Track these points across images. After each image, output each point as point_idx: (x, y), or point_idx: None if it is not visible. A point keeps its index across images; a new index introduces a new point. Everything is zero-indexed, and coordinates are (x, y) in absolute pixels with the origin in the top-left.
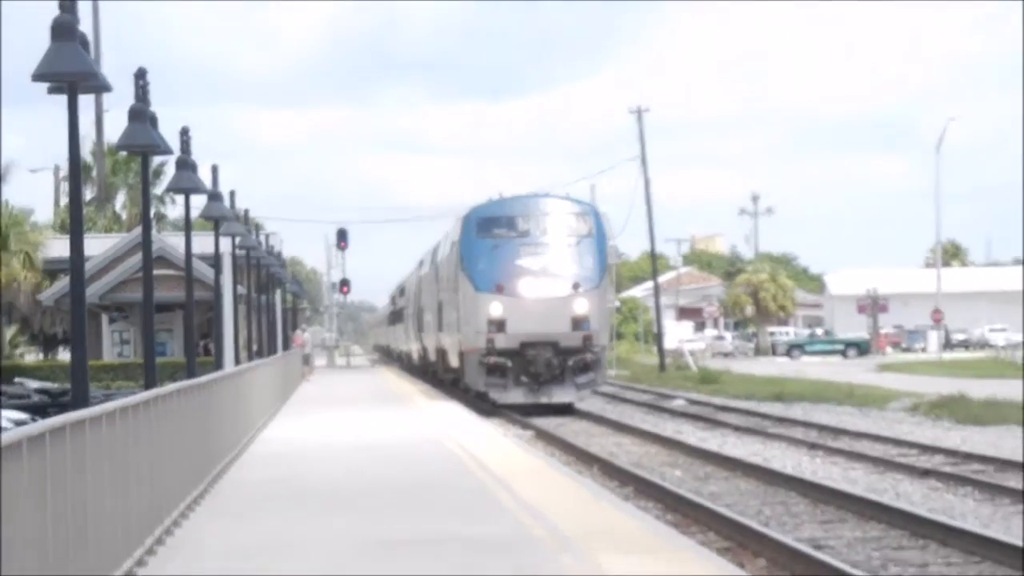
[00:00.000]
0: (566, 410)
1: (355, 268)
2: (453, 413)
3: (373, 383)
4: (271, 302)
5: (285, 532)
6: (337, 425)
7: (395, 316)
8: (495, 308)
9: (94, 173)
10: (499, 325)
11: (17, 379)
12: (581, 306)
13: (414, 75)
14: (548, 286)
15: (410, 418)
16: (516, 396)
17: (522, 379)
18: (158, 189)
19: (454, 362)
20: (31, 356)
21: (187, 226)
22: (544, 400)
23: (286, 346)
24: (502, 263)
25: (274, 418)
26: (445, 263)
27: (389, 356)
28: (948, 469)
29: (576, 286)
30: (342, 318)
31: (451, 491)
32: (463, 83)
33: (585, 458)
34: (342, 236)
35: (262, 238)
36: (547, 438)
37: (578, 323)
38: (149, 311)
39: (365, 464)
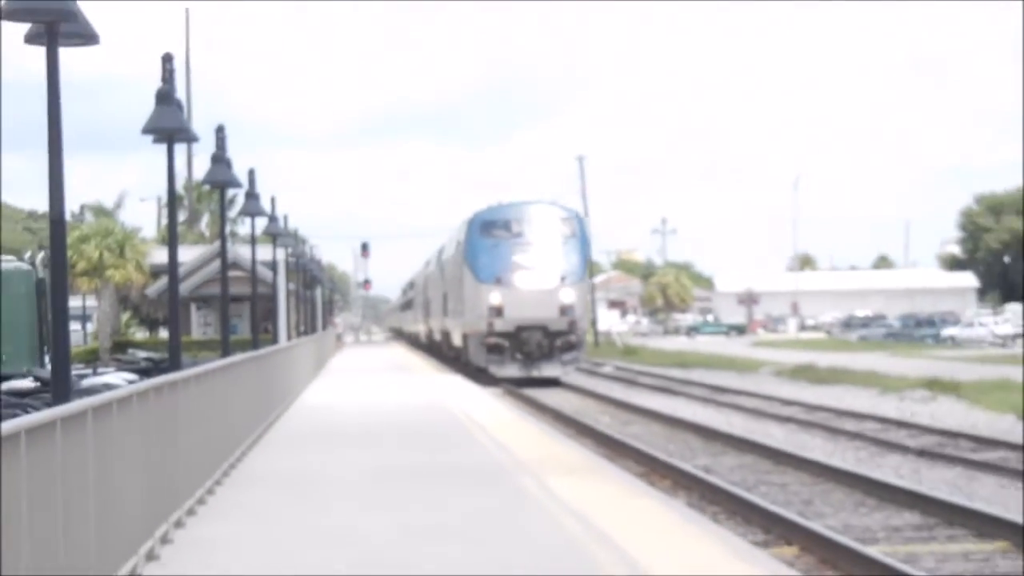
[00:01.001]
0: (552, 382)
1: (375, 270)
2: (450, 380)
3: (388, 355)
4: (312, 296)
5: (319, 459)
6: (360, 387)
7: (405, 305)
8: (495, 297)
9: (186, 202)
10: (498, 311)
11: (130, 350)
12: (567, 296)
13: (421, 127)
14: (539, 279)
15: (416, 383)
16: (512, 371)
17: (517, 356)
18: (232, 213)
19: (457, 342)
20: (140, 334)
21: (252, 240)
22: (535, 374)
23: (324, 328)
24: (500, 259)
25: (313, 380)
26: (451, 260)
27: (400, 335)
28: (802, 416)
29: (563, 279)
30: (365, 307)
31: (444, 435)
32: (455, 134)
33: (541, 409)
34: (365, 247)
35: (307, 249)
36: (517, 396)
37: (564, 310)
38: (225, 302)
39: (380, 416)
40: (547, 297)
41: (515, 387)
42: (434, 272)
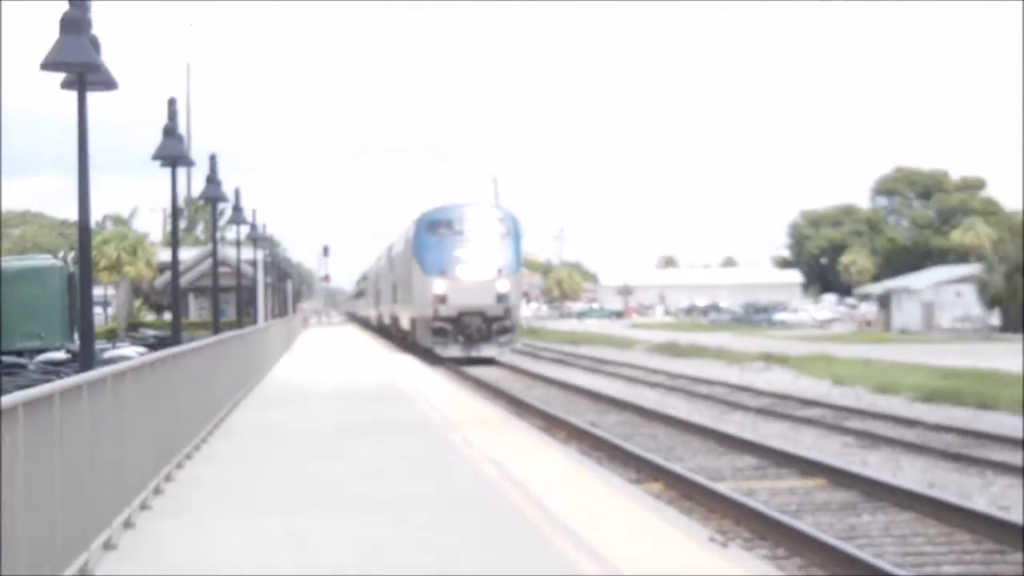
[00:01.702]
0: (489, 361)
1: (333, 267)
2: (395, 355)
3: (344, 335)
4: (284, 287)
5: (289, 416)
6: (323, 359)
7: (358, 294)
8: (439, 286)
9: (185, 213)
10: (442, 299)
11: (141, 329)
12: (503, 286)
13: (375, 151)
14: (478, 271)
15: (367, 357)
16: (454, 351)
17: (459, 339)
18: (221, 222)
19: (405, 325)
20: (149, 317)
21: (237, 244)
22: (475, 354)
23: (293, 312)
24: (444, 253)
25: (285, 354)
26: (400, 255)
27: (354, 319)
28: (667, 383)
29: (499, 271)
30: (325, 296)
31: (389, 396)
32: (402, 156)
33: (466, 378)
34: (326, 250)
35: (280, 250)
36: (451, 369)
37: (500, 298)
38: (216, 292)
39: (340, 381)
40: (485, 287)
41: (456, 364)
42: (384, 266)
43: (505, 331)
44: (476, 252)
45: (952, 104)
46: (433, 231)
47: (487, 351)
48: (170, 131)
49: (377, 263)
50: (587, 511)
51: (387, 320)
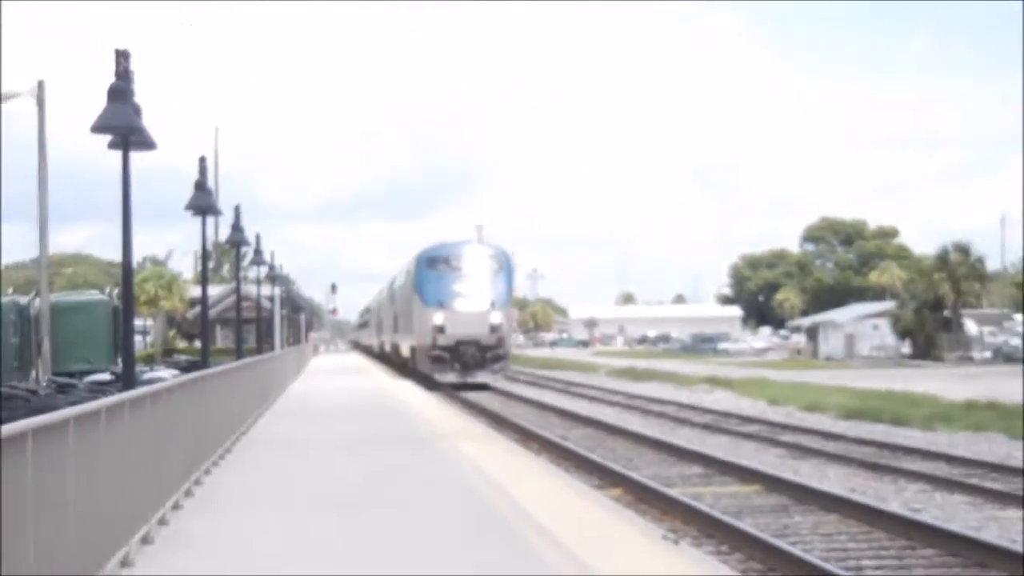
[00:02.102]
0: (483, 387)
1: (340, 301)
2: (392, 377)
3: (349, 361)
4: (298, 319)
5: (304, 427)
6: (331, 382)
7: (362, 325)
8: (438, 318)
9: (213, 255)
10: (441, 329)
11: (174, 355)
12: (496, 317)
13: (373, 205)
14: (474, 303)
15: (369, 379)
16: (451, 377)
17: (456, 366)
18: (244, 263)
19: (405, 353)
20: (182, 344)
21: (258, 282)
22: (470, 380)
23: (305, 340)
24: (443, 287)
25: (298, 376)
26: (401, 288)
27: (357, 346)
28: (625, 402)
29: (492, 304)
30: (332, 327)
31: (389, 413)
32: (395, 210)
33: (455, 399)
34: (334, 287)
35: (294, 287)
36: (444, 391)
37: (494, 329)
38: (239, 323)
39: (346, 401)
40: (480, 318)
41: (452, 389)
42: (385, 299)
43: (498, 359)
44: (472, 286)
45: (868, 162)
46: (432, 266)
47: (482, 377)
48: (200, 185)
49: (379, 296)
50: (557, 511)
51: (388, 348)
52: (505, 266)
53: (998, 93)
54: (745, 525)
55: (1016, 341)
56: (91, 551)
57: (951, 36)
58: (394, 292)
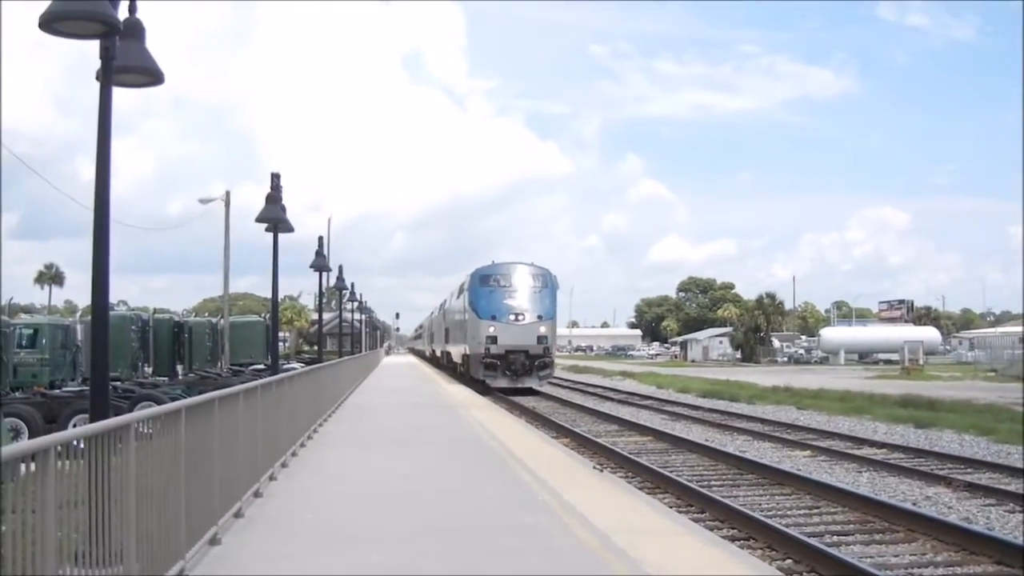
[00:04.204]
0: (530, 391)
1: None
2: (448, 382)
3: (408, 361)
4: (375, 333)
5: (377, 398)
6: (394, 375)
7: (416, 337)
8: (491, 329)
9: (325, 294)
10: (493, 339)
11: (302, 354)
12: (543, 329)
13: (417, 265)
14: (523, 317)
15: (426, 382)
16: (502, 382)
17: (506, 372)
18: (345, 299)
19: (457, 359)
20: (306, 347)
21: (352, 312)
22: (519, 384)
23: (380, 346)
24: (495, 302)
25: (375, 368)
26: (455, 304)
27: (413, 351)
28: (570, 386)
29: (540, 317)
30: (396, 338)
31: (439, 408)
32: (429, 269)
33: (486, 390)
34: (398, 315)
35: (373, 314)
36: (486, 391)
37: (540, 339)
38: (340, 335)
39: (403, 384)
40: (528, 330)
41: (503, 393)
42: (438, 316)
43: (545, 367)
44: (521, 301)
45: (715, 244)
46: (485, 283)
47: (529, 382)
48: (319, 253)
49: (430, 316)
50: (528, 449)
51: (439, 354)
52: (550, 284)
53: (794, 205)
54: (644, 460)
55: (801, 351)
56: (251, 470)
57: (767, 172)
58: (446, 309)
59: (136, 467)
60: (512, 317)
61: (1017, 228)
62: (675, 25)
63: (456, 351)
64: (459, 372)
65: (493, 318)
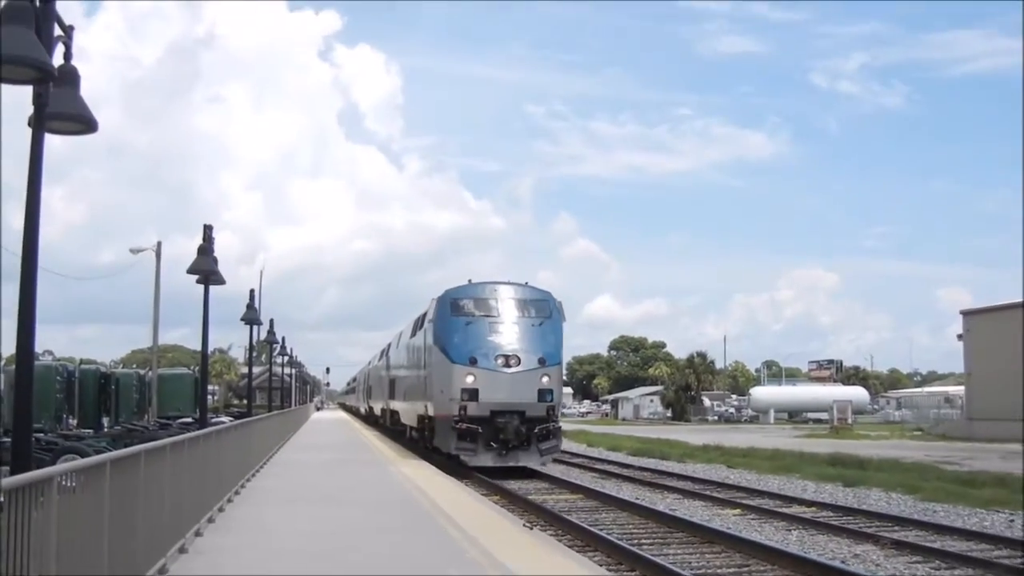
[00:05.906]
0: (525, 471)
1: (332, 377)
2: (395, 452)
3: (338, 418)
4: (305, 388)
5: (305, 455)
6: (324, 431)
7: (348, 392)
8: (469, 379)
9: (255, 348)
10: (472, 394)
11: (231, 407)
12: (547, 379)
13: (353, 320)
14: (518, 360)
15: (351, 431)
16: (485, 459)
17: (491, 444)
18: (275, 353)
19: (408, 421)
20: (236, 401)
21: (281, 365)
22: (512, 463)
23: (308, 402)
24: (475, 339)
25: (303, 425)
26: (408, 344)
27: (344, 408)
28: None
29: (542, 362)
30: (326, 393)
31: (360, 448)
32: (368, 325)
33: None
34: (328, 370)
35: (304, 368)
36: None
37: (543, 395)
38: (270, 389)
39: (335, 442)
40: (526, 380)
41: (486, 476)
42: (377, 364)
43: (548, 435)
44: (513, 339)
45: (647, 303)
46: (459, 312)
47: (527, 460)
48: (250, 306)
49: (367, 366)
50: (457, 506)
51: (378, 411)
52: (554, 314)
53: (726, 265)
54: (574, 518)
55: (731, 410)
56: (177, 526)
57: (699, 233)
58: (392, 353)
59: (57, 521)
60: (500, 361)
61: (944, 291)
62: (610, 87)
63: (408, 410)
64: (410, 438)
65: (472, 362)
